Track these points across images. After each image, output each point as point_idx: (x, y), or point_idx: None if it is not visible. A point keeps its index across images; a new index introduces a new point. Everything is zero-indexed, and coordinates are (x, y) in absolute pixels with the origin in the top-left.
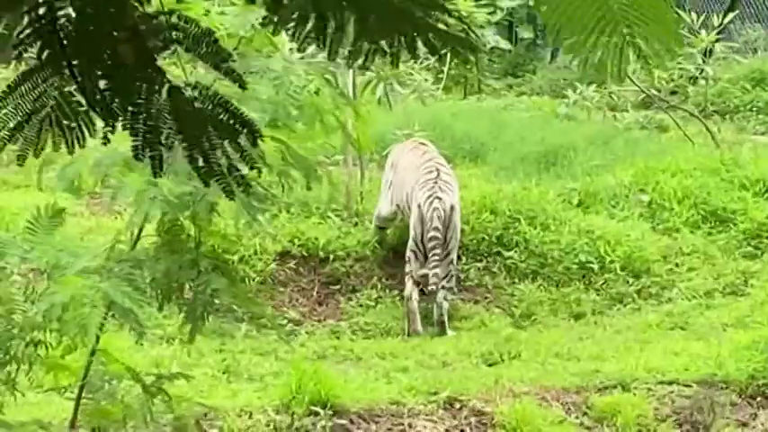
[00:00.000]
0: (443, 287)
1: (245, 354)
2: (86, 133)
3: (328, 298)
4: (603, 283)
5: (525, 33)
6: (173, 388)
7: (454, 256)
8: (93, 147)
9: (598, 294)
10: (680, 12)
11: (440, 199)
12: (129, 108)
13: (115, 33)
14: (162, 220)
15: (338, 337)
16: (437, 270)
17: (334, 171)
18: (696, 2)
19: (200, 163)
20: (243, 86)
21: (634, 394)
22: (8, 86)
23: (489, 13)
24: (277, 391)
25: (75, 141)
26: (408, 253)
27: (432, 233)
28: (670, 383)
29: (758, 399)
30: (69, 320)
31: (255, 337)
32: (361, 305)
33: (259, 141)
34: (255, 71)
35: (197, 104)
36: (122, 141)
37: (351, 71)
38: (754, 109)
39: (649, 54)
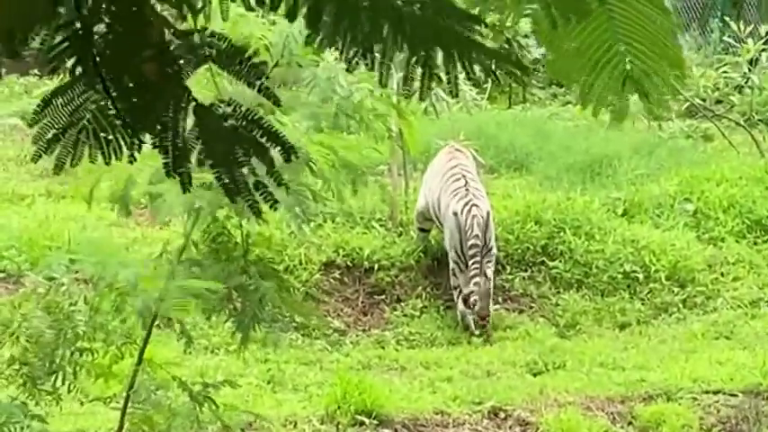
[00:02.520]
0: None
1: (290, 363)
2: (123, 146)
3: (373, 308)
4: (648, 293)
5: None
6: (218, 398)
7: (495, 251)
8: (151, 160)
9: (643, 304)
10: (727, 20)
11: (477, 206)
12: (158, 126)
13: (142, 52)
14: (208, 228)
15: (383, 347)
16: (478, 279)
17: (378, 180)
18: (743, 11)
19: (226, 180)
20: (277, 104)
21: (679, 404)
22: (44, 99)
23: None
24: (322, 401)
25: (112, 153)
26: (452, 266)
27: (472, 241)
28: (715, 393)
29: None
30: (117, 329)
31: (300, 346)
32: (405, 315)
33: (307, 148)
34: (305, 81)
35: (227, 122)
36: None
37: (395, 80)
38: None
39: (650, 91)
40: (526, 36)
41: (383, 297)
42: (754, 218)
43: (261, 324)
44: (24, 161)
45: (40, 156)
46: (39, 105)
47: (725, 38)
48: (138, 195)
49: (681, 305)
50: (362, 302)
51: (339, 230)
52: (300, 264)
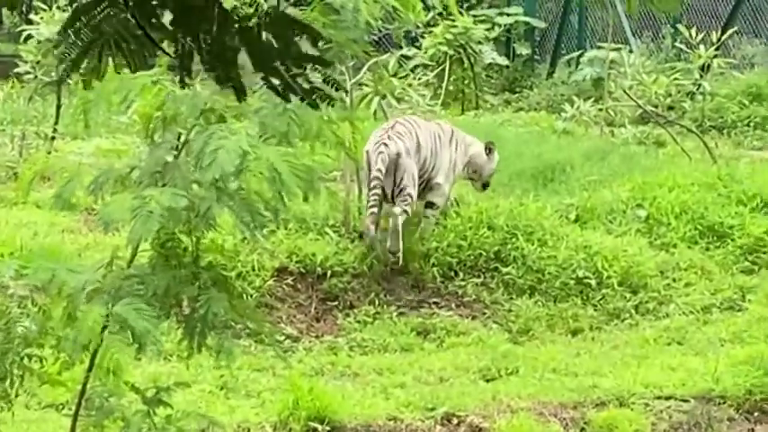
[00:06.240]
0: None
1: (243, 370)
2: (147, 55)
3: (326, 314)
4: (601, 299)
5: (523, 50)
6: (171, 403)
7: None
8: (90, 164)
9: (595, 310)
10: (679, 26)
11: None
12: (203, 45)
13: None
14: (158, 234)
15: (336, 353)
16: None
17: (331, 186)
18: (695, 18)
19: (279, 88)
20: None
21: (631, 409)
22: (66, 20)
23: (487, 30)
24: (275, 408)
25: (138, 62)
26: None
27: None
28: (667, 399)
29: (755, 414)
30: (70, 340)
31: (253, 353)
32: (358, 321)
33: (254, 155)
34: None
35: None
36: (116, 157)
37: (348, 85)
38: (751, 124)
39: None
40: (480, 42)
41: (336, 303)
42: (706, 224)
43: (212, 332)
44: None
45: (68, 75)
46: (63, 25)
47: (676, 44)
48: (81, 198)
49: (633, 311)
50: (315, 309)
51: (292, 236)
52: (253, 270)
